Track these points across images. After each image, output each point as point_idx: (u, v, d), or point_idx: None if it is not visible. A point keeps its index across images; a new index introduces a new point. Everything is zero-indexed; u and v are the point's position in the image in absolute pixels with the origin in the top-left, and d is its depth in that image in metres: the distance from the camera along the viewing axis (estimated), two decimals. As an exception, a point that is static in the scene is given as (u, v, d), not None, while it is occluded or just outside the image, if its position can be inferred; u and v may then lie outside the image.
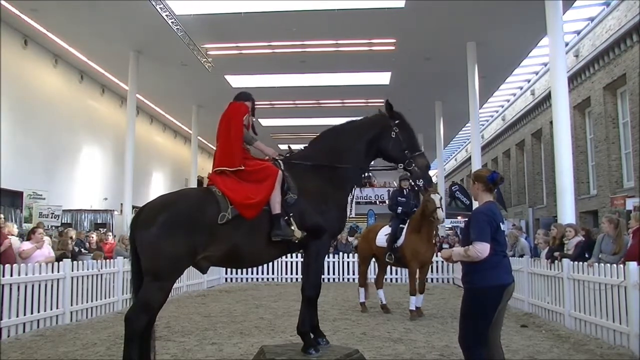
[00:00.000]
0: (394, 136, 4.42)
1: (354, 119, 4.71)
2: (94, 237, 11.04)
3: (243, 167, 4.15)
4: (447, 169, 38.80)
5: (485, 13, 14.37)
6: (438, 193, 8.58)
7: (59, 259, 8.36)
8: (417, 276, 8.66)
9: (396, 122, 4.48)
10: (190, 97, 22.22)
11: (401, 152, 4.42)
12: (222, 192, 4.02)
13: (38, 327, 7.34)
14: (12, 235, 8.76)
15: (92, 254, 9.84)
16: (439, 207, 8.17)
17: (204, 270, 4.26)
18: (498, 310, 3.61)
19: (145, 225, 3.88)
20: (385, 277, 11.26)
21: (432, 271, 14.38)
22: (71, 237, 9.86)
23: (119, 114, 21.50)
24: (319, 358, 4.03)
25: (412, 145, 4.44)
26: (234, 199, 3.98)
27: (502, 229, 3.71)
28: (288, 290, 12.42)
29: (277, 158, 4.41)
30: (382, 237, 9.05)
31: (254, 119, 4.60)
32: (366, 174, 4.57)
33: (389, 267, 10.73)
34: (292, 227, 4.05)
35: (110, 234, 12.65)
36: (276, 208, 4.05)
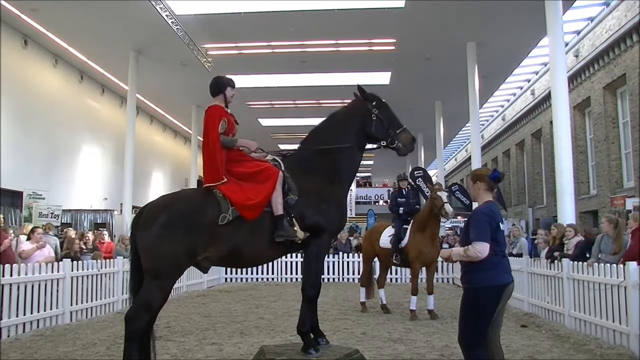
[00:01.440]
0: (374, 118, 4.45)
1: (334, 111, 4.71)
2: (90, 236, 11.01)
3: (226, 180, 4.07)
4: (447, 169, 38.81)
5: (485, 13, 14.37)
6: (444, 190, 8.66)
7: (60, 259, 8.36)
8: (421, 276, 8.64)
9: (373, 103, 4.49)
10: (190, 97, 22.18)
11: (385, 132, 4.46)
12: (222, 194, 4.01)
13: (38, 327, 7.34)
14: (24, 234, 8.76)
15: (92, 254, 9.83)
16: (446, 202, 8.22)
17: (205, 270, 4.27)
18: (497, 310, 3.61)
19: (146, 226, 3.89)
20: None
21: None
22: (80, 238, 9.85)
23: (119, 114, 21.49)
24: (319, 358, 4.03)
25: (393, 123, 4.48)
26: (235, 200, 3.97)
27: (501, 228, 3.71)
28: (288, 290, 12.42)
29: (276, 158, 4.40)
30: (385, 238, 9.03)
31: (228, 110, 4.48)
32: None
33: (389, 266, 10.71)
34: (295, 228, 4.04)
35: (105, 233, 12.52)
36: (278, 209, 4.04)
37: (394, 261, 8.92)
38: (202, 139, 4.35)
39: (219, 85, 4.45)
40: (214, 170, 4.11)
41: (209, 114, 4.29)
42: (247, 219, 3.97)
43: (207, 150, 4.18)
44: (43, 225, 10.44)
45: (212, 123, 4.21)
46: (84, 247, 9.91)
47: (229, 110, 4.48)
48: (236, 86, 4.58)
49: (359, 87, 4.60)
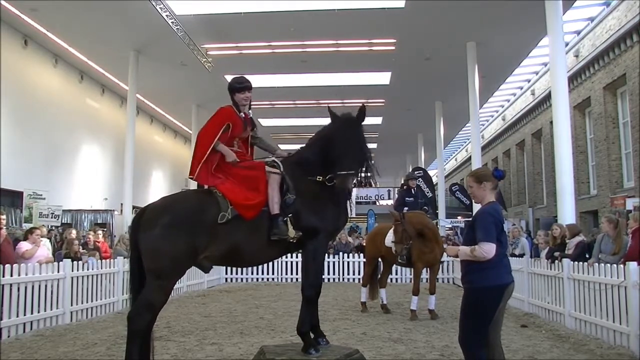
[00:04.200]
0: (330, 147, 4.11)
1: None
2: (100, 236, 10.99)
3: (193, 177, 4.16)
4: (447, 169, 38.82)
5: (485, 13, 14.37)
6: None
7: (59, 260, 8.35)
8: (423, 276, 8.60)
9: (332, 131, 4.15)
10: (190, 97, 22.19)
11: (324, 165, 4.13)
12: (222, 193, 4.05)
13: (38, 327, 7.33)
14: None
15: (88, 253, 9.81)
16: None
17: (206, 270, 4.31)
18: (498, 310, 3.61)
19: (148, 227, 3.93)
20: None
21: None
22: (77, 239, 9.82)
23: (119, 114, 21.49)
24: (319, 358, 4.03)
25: (336, 161, 4.01)
26: (234, 199, 4.01)
27: (504, 229, 3.72)
28: (288, 290, 12.42)
29: (275, 159, 4.40)
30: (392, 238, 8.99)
31: (250, 113, 4.47)
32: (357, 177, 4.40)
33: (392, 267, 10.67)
34: (289, 227, 4.06)
35: (99, 232, 12.36)
36: (275, 209, 4.07)
37: (399, 260, 8.89)
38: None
39: (228, 90, 4.44)
40: (194, 164, 4.19)
41: (216, 113, 4.36)
42: (245, 218, 4.01)
43: (196, 145, 4.27)
44: (43, 225, 10.42)
45: (213, 123, 4.27)
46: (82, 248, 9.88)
47: (249, 113, 4.48)
48: (228, 86, 4.45)
49: (328, 108, 4.27)
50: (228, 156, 4.22)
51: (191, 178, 4.24)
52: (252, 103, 4.56)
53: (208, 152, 4.14)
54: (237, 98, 4.38)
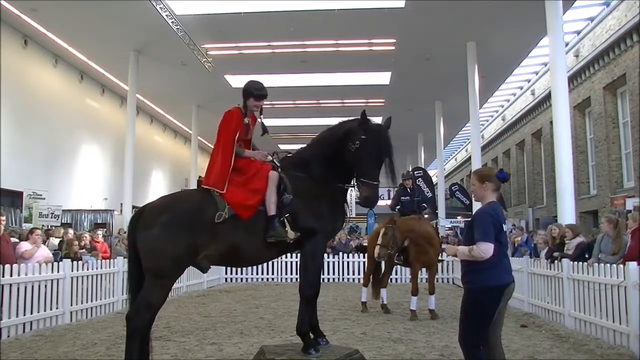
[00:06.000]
0: (352, 150, 4.06)
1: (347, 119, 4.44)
2: (87, 236, 10.94)
3: (224, 192, 4.05)
4: (447, 169, 38.82)
5: (485, 13, 14.38)
6: None
7: (58, 260, 8.35)
8: (422, 276, 8.59)
9: (362, 136, 4.05)
10: (190, 97, 22.22)
11: (348, 170, 4.13)
12: (219, 193, 4.06)
13: (38, 327, 7.33)
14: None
15: (90, 254, 9.81)
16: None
17: (204, 270, 4.29)
18: (498, 310, 3.61)
19: (147, 226, 3.92)
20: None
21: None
22: (77, 239, 9.81)
23: (119, 114, 21.50)
24: (319, 358, 4.03)
25: (364, 169, 4.02)
26: (231, 199, 4.02)
27: (503, 229, 3.71)
28: (288, 290, 12.42)
29: (274, 160, 4.39)
30: None
31: (261, 117, 4.48)
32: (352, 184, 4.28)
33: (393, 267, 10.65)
34: (286, 228, 4.05)
35: (99, 232, 12.29)
36: (271, 209, 4.06)
37: (396, 260, 8.91)
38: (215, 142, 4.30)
39: (243, 92, 4.37)
40: (218, 176, 4.11)
41: (224, 118, 4.28)
42: (242, 217, 4.01)
43: (216, 153, 4.20)
44: (43, 225, 10.41)
45: (227, 130, 4.21)
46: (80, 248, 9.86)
47: (260, 118, 4.46)
48: (236, 86, 4.48)
49: (363, 112, 4.15)
50: (256, 156, 4.27)
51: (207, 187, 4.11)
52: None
53: (232, 162, 4.11)
54: (250, 103, 4.33)
